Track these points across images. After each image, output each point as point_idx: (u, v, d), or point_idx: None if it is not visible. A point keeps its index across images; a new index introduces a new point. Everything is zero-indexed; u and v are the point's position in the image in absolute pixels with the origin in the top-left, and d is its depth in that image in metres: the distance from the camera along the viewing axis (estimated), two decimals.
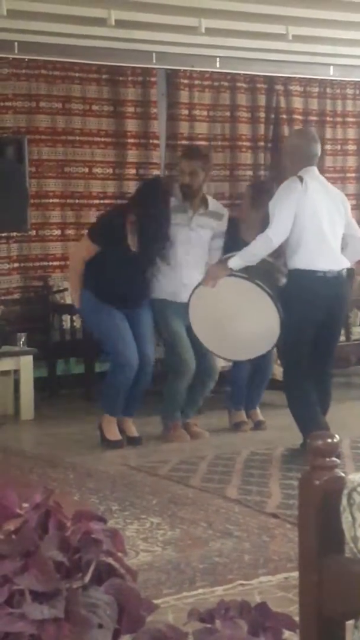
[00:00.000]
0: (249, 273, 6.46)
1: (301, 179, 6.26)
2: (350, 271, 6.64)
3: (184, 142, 9.70)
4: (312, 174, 6.37)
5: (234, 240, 7.03)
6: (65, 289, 8.82)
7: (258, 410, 7.58)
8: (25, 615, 1.59)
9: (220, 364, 7.71)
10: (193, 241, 6.98)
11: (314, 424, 6.16)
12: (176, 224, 6.90)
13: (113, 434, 6.88)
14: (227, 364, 7.63)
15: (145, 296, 6.95)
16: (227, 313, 6.58)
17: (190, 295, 6.70)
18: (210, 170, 7.33)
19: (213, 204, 7.22)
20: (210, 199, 7.25)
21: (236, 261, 6.43)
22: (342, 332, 8.84)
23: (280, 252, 6.46)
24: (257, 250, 6.38)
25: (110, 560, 1.78)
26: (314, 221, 6.26)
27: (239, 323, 6.57)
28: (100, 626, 1.64)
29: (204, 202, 7.09)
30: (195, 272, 6.89)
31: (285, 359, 6.80)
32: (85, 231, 7.57)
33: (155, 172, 9.48)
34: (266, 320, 6.46)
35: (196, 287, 6.68)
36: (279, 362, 8.17)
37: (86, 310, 7.03)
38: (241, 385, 7.52)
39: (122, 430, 6.96)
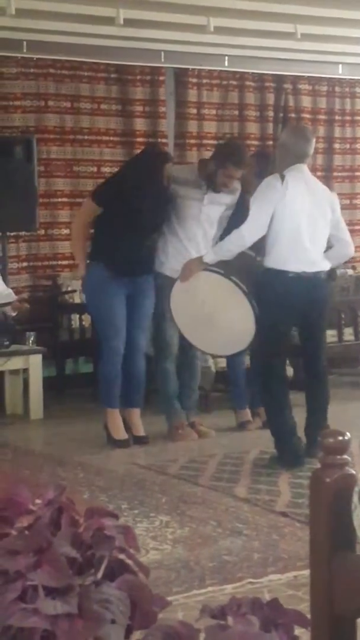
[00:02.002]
0: (227, 268, 6.33)
1: (282, 178, 6.08)
2: (331, 273, 6.50)
3: (192, 141, 9.73)
4: (297, 172, 6.15)
5: (240, 212, 7.02)
6: (74, 291, 8.84)
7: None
8: (39, 610, 1.60)
9: (221, 365, 7.72)
10: (203, 217, 6.96)
11: (282, 428, 6.19)
12: (189, 197, 6.91)
13: (118, 432, 6.87)
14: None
15: (150, 263, 6.95)
16: (204, 308, 6.49)
17: (171, 290, 6.65)
18: None
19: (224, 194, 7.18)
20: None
21: (210, 256, 6.39)
22: (352, 332, 8.85)
23: (260, 247, 6.30)
24: (229, 246, 6.25)
25: (122, 556, 1.78)
26: (291, 222, 6.07)
27: (215, 318, 6.45)
28: (113, 622, 1.64)
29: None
30: (203, 247, 6.88)
31: (259, 358, 6.68)
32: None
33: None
34: (241, 317, 6.33)
35: (175, 280, 6.65)
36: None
37: (89, 283, 6.97)
38: (240, 384, 7.51)
39: (128, 426, 6.96)
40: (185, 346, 7.02)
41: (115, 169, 9.40)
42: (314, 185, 6.33)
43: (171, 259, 6.94)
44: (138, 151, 9.44)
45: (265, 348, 6.34)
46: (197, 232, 6.96)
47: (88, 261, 6.88)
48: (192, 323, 6.62)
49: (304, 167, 6.24)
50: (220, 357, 7.34)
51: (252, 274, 6.33)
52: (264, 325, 6.20)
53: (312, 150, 6.32)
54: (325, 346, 6.54)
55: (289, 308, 6.11)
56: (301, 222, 6.09)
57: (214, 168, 6.94)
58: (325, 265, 6.24)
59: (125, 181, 6.81)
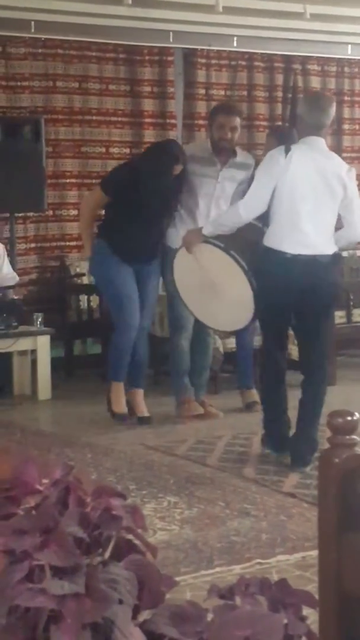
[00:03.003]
0: (229, 241, 6.01)
1: (287, 151, 5.68)
2: (335, 256, 5.82)
3: (201, 121, 9.67)
4: (308, 145, 5.72)
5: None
6: (83, 274, 8.84)
7: None
8: (46, 590, 1.60)
9: (229, 346, 7.70)
10: (217, 193, 6.94)
11: (270, 412, 6.01)
12: (203, 175, 6.88)
13: (118, 405, 6.91)
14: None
15: (156, 250, 6.94)
16: (203, 281, 6.24)
17: (173, 259, 6.58)
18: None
19: (241, 154, 7.14)
20: (238, 150, 7.16)
21: (208, 228, 6.09)
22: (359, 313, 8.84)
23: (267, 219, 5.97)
24: (225, 221, 5.99)
25: (130, 536, 1.78)
26: (290, 199, 5.64)
27: (214, 293, 6.20)
28: (121, 601, 1.64)
29: (234, 154, 7.04)
30: None
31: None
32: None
33: None
34: (240, 293, 5.99)
35: (177, 250, 6.58)
36: (294, 341, 8.17)
37: (96, 260, 6.98)
38: (247, 365, 7.51)
39: (132, 408, 6.97)
40: (200, 325, 7.00)
41: (124, 150, 9.44)
42: (326, 160, 5.77)
43: (182, 234, 6.92)
44: (146, 132, 9.49)
45: (262, 329, 6.19)
46: (211, 208, 6.94)
47: (95, 241, 6.88)
48: (193, 295, 6.46)
49: (319, 140, 5.76)
50: (220, 332, 7.20)
51: (257, 249, 5.91)
52: (260, 305, 5.90)
53: (328, 121, 5.82)
54: (325, 340, 5.99)
55: (284, 291, 5.68)
56: (301, 200, 5.66)
57: (210, 130, 7.00)
58: (327, 249, 5.73)
59: (134, 174, 6.80)
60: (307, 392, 5.88)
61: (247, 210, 5.77)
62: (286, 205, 5.66)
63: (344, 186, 5.76)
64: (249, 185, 6.66)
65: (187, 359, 7.10)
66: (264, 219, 5.86)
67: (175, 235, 6.92)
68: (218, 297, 6.21)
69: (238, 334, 7.38)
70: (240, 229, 5.92)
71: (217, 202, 6.95)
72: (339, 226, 5.93)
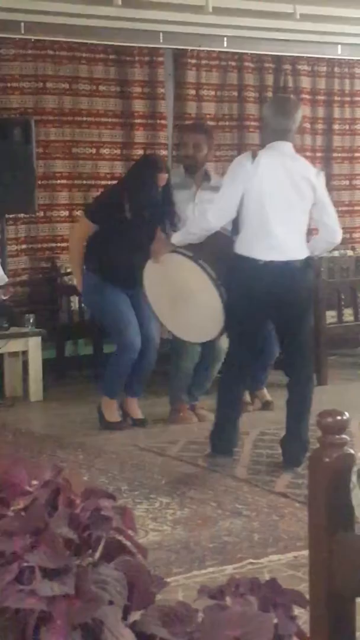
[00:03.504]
0: (199, 251, 5.88)
1: (254, 155, 5.58)
2: (308, 261, 5.72)
3: (191, 122, 9.67)
4: (273, 151, 5.61)
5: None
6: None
7: (265, 391, 7.56)
8: (36, 591, 1.59)
9: (223, 346, 7.69)
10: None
11: (223, 417, 5.80)
12: (180, 200, 6.90)
13: (112, 415, 6.88)
14: None
15: None
16: (174, 291, 6.09)
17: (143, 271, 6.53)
18: (213, 146, 7.23)
19: (215, 178, 7.21)
20: (212, 174, 7.24)
21: (177, 237, 5.98)
22: (351, 312, 8.84)
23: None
24: (194, 228, 5.86)
25: (120, 537, 1.78)
26: (258, 205, 5.52)
27: (183, 303, 6.04)
28: (111, 602, 1.64)
29: (207, 177, 7.08)
30: None
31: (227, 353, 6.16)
32: (80, 212, 7.57)
33: (163, 152, 9.44)
34: (208, 304, 5.84)
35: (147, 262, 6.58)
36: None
37: (87, 291, 6.98)
38: None
39: (127, 412, 6.96)
40: (210, 349, 6.96)
41: (115, 151, 9.45)
42: (293, 164, 5.66)
43: None
44: (137, 132, 9.49)
45: (231, 336, 5.92)
46: None
47: (84, 272, 6.88)
48: (163, 306, 6.32)
49: (285, 145, 5.65)
50: (193, 343, 7.08)
51: (228, 258, 5.76)
52: (230, 316, 5.73)
53: (294, 125, 5.70)
54: (306, 341, 5.95)
55: (256, 299, 5.55)
56: (270, 205, 5.52)
57: (181, 148, 7.10)
58: (300, 254, 5.63)
59: (118, 195, 6.80)
60: (294, 393, 5.84)
61: (216, 216, 5.65)
62: (255, 210, 5.55)
63: (314, 189, 5.66)
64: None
65: (190, 378, 7.08)
66: (234, 227, 5.74)
67: None
68: (188, 307, 6.06)
69: None
70: (210, 238, 5.78)
71: None
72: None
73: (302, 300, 5.72)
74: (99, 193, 8.12)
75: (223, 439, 5.80)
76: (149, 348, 6.83)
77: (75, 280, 7.16)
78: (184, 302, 6.06)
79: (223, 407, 5.85)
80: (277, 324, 5.90)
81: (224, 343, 7.25)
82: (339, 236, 5.91)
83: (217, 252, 5.81)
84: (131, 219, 6.68)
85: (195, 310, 6.00)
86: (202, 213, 5.91)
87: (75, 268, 7.06)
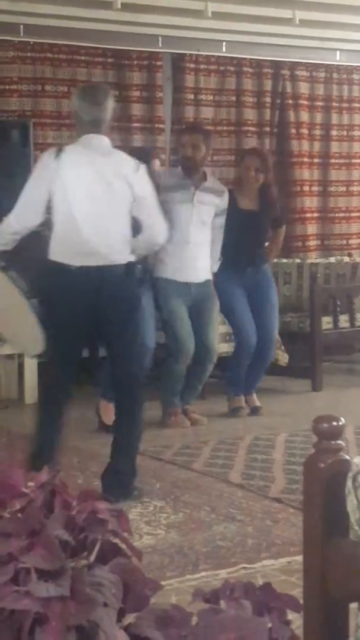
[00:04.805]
0: (14, 258, 5.30)
1: (58, 152, 5.13)
2: (130, 266, 5.21)
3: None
4: (83, 145, 5.19)
5: (233, 212, 7.12)
6: None
7: (255, 396, 7.58)
8: (31, 593, 1.60)
9: (222, 350, 7.72)
10: (195, 218, 6.98)
11: (40, 433, 5.36)
12: (178, 201, 6.91)
13: (110, 418, 6.89)
14: (229, 350, 7.64)
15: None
16: None
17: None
18: (210, 148, 7.26)
19: (212, 180, 7.26)
20: (209, 175, 7.26)
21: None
22: (347, 318, 8.83)
23: None
24: (1, 234, 5.29)
25: (115, 539, 1.78)
26: (65, 206, 5.07)
27: (4, 315, 5.50)
28: (106, 605, 1.64)
29: (204, 178, 7.11)
30: (199, 249, 6.94)
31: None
32: None
33: (162, 156, 9.43)
34: (23, 317, 5.22)
35: (176, 282, 6.69)
36: (282, 348, 8.20)
37: None
38: (232, 372, 7.52)
39: None
40: (202, 350, 7.01)
41: None
42: (105, 160, 5.19)
43: (169, 263, 6.95)
44: (134, 136, 9.49)
45: (51, 348, 5.27)
46: (191, 233, 6.96)
47: None
48: None
49: (97, 138, 5.19)
50: (185, 343, 7.01)
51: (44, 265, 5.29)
52: (47, 327, 5.15)
53: (107, 115, 5.25)
54: (132, 361, 5.30)
55: (69, 309, 5.07)
56: (77, 206, 5.06)
57: (179, 149, 7.17)
58: (119, 258, 5.12)
59: None
60: (119, 423, 5.38)
61: (18, 219, 5.21)
62: (63, 212, 5.10)
63: (130, 186, 5.17)
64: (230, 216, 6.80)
65: (182, 382, 7.10)
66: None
67: (163, 264, 6.95)
68: (8, 320, 5.55)
69: (236, 350, 7.44)
70: (31, 242, 5.32)
71: (197, 226, 6.98)
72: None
73: (121, 311, 5.17)
74: None
75: (31, 450, 5.31)
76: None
77: None
78: (6, 314, 5.49)
79: (41, 425, 5.42)
80: (100, 339, 5.39)
81: (216, 344, 7.29)
82: (162, 237, 5.49)
83: (34, 259, 5.40)
84: None
85: (13, 323, 5.49)
86: (5, 218, 5.32)
87: None
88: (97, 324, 5.16)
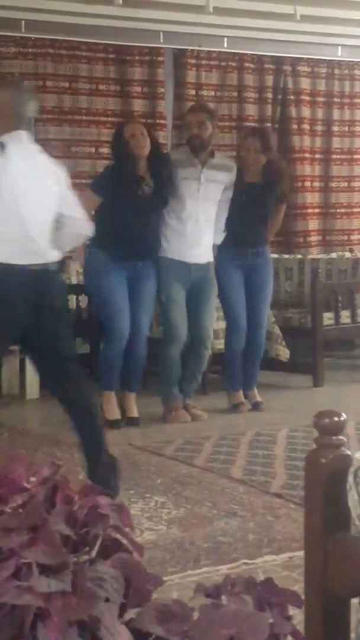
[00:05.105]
0: None
1: (3, 146, 4.89)
2: (61, 264, 5.22)
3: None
4: (19, 141, 4.98)
5: (236, 185, 7.17)
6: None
7: (256, 391, 7.57)
8: (33, 588, 1.60)
9: (218, 347, 7.72)
10: (202, 195, 6.98)
11: None
12: (185, 178, 6.93)
13: (112, 412, 6.91)
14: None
15: (152, 246, 6.95)
16: None
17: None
18: (216, 126, 7.27)
19: (220, 156, 7.25)
20: (217, 152, 7.25)
21: None
22: (348, 314, 8.84)
23: None
24: None
25: (116, 535, 1.78)
26: (13, 202, 4.87)
27: None
28: (107, 600, 1.64)
29: (212, 155, 7.10)
30: (205, 227, 6.95)
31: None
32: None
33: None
34: None
35: (179, 262, 6.70)
36: (283, 343, 8.20)
37: (89, 269, 7.08)
38: (233, 367, 7.51)
39: (123, 408, 6.99)
40: (196, 334, 7.04)
41: None
42: (36, 157, 5.10)
43: (173, 241, 6.96)
44: None
45: None
46: (198, 211, 6.98)
47: (88, 246, 6.86)
48: None
49: (28, 135, 5.06)
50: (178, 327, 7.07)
51: None
52: None
53: (33, 112, 5.18)
54: (68, 359, 5.18)
55: (15, 312, 4.91)
56: (24, 202, 4.91)
57: (184, 130, 7.20)
58: (54, 255, 5.02)
59: (111, 168, 6.91)
60: (78, 419, 5.33)
61: None
62: (9, 209, 4.88)
63: (59, 182, 5.13)
64: (236, 192, 6.78)
65: (178, 369, 7.12)
66: None
67: (166, 243, 6.96)
68: None
69: (227, 336, 7.44)
70: None
71: (204, 204, 6.99)
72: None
73: (57, 309, 5.09)
74: None
75: None
76: (137, 339, 6.88)
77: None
78: None
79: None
80: (31, 337, 5.07)
81: (207, 351, 7.29)
82: (86, 228, 5.39)
83: None
84: (126, 190, 6.78)
85: None
86: None
87: None
88: (33, 321, 4.94)
